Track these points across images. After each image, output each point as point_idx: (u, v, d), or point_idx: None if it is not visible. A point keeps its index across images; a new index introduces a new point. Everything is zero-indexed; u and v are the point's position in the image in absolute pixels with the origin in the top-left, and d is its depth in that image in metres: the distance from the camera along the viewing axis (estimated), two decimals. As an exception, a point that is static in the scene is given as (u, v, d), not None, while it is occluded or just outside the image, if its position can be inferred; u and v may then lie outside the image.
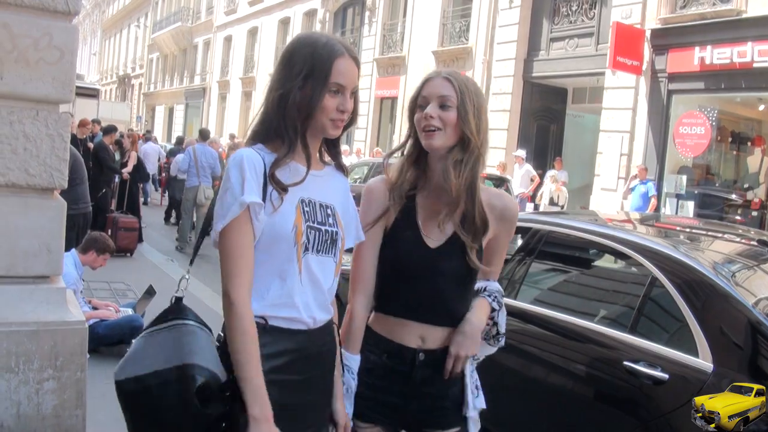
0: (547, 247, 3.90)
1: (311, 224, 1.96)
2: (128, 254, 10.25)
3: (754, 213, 13.35)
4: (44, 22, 2.73)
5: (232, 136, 22.57)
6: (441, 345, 2.22)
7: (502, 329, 2.33)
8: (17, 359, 2.65)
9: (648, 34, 14.32)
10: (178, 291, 2.00)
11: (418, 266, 2.19)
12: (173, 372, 1.79)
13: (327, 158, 2.15)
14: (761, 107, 14.40)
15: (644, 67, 14.40)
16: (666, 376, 2.92)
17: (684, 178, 13.97)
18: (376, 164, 14.87)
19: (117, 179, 11.84)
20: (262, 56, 31.99)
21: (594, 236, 3.72)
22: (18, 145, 2.72)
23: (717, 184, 14.72)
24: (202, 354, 1.83)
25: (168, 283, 7.56)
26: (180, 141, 18.67)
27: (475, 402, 2.29)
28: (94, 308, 6.06)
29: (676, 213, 13.57)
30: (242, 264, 1.86)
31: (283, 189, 1.91)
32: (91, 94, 27.81)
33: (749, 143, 14.83)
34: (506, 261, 3.60)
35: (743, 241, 4.17)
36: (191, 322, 1.91)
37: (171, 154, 17.50)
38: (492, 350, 2.36)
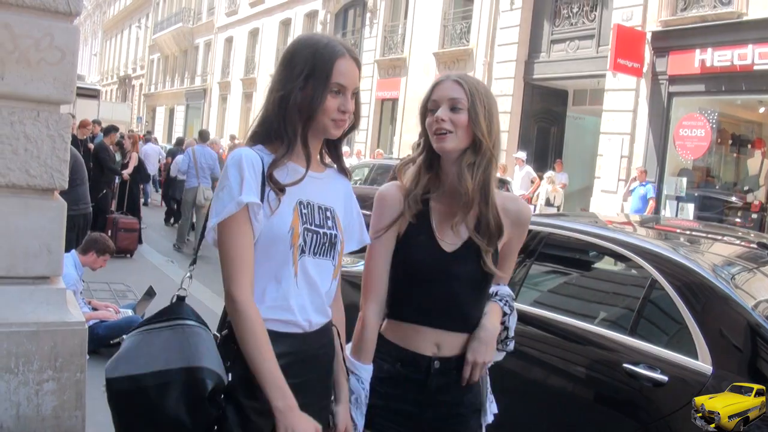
0: (546, 249, 3.89)
1: (308, 226, 1.95)
2: (128, 255, 10.25)
3: (754, 215, 13.36)
4: (45, 22, 2.73)
5: (232, 137, 22.58)
6: (456, 352, 2.20)
7: (512, 333, 2.32)
8: (17, 360, 2.65)
9: (649, 36, 14.33)
10: (180, 289, 1.99)
11: (433, 270, 2.17)
12: (181, 374, 1.78)
13: (328, 161, 2.14)
14: (761, 110, 14.41)
15: (645, 70, 14.40)
16: (665, 378, 2.92)
17: (684, 180, 13.97)
18: (376, 165, 14.84)
19: (117, 180, 11.85)
20: (263, 57, 32.00)
21: (594, 238, 3.72)
22: (19, 145, 2.72)
23: (717, 187, 14.72)
24: (209, 357, 1.83)
25: (168, 284, 7.57)
26: (180, 142, 18.67)
27: (491, 407, 2.30)
28: (94, 309, 6.07)
29: (676, 215, 13.56)
30: (243, 264, 1.86)
31: (280, 190, 1.90)
32: (92, 94, 27.84)
33: (749, 146, 14.84)
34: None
35: (743, 243, 4.17)
36: (194, 323, 1.89)
37: (170, 154, 17.49)
38: (501, 356, 2.34)
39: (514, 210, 2.26)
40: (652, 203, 13.42)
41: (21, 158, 2.73)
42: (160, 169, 19.59)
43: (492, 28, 18.89)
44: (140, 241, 10.97)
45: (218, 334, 1.94)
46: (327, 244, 1.99)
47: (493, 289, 2.30)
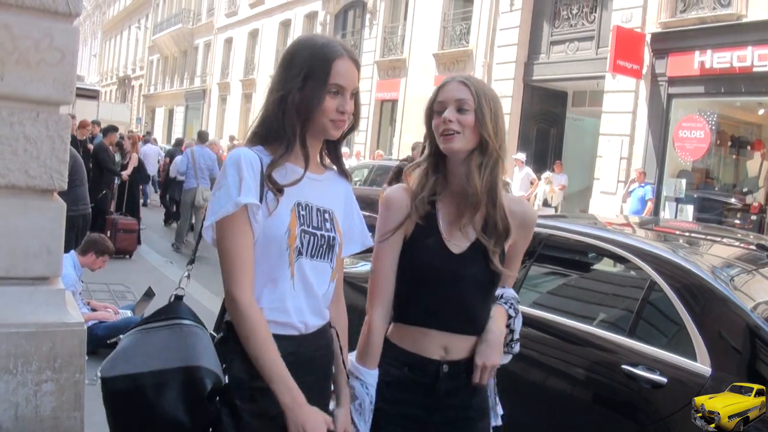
0: (546, 251, 3.90)
1: (305, 228, 1.94)
2: (127, 256, 10.25)
3: (753, 217, 13.37)
4: (45, 23, 2.72)
5: (231, 138, 22.60)
6: (464, 355, 2.19)
7: (517, 335, 2.32)
8: (16, 361, 2.65)
9: (648, 37, 14.34)
10: (178, 289, 1.98)
11: (441, 272, 2.16)
12: (179, 373, 1.77)
13: (328, 163, 2.14)
14: (761, 111, 14.43)
15: (644, 71, 14.42)
16: (664, 379, 2.92)
17: (683, 181, 13.98)
18: (376, 167, 14.86)
19: (117, 181, 11.86)
20: (262, 58, 32.01)
21: (593, 240, 3.72)
22: (18, 146, 2.71)
23: (716, 188, 14.74)
24: (207, 356, 1.82)
25: (167, 284, 7.56)
26: (179, 143, 18.67)
27: (497, 410, 2.30)
28: (93, 310, 6.07)
29: (676, 217, 13.57)
30: (244, 264, 1.86)
31: (278, 190, 1.90)
32: (91, 95, 27.84)
33: (749, 147, 14.86)
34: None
35: (742, 245, 4.17)
36: (191, 323, 1.89)
37: (169, 155, 17.51)
38: (507, 358, 2.33)
39: (520, 212, 2.27)
40: (650, 204, 13.42)
41: (20, 159, 2.72)
42: (159, 170, 19.58)
43: (491, 30, 18.90)
44: (139, 242, 10.97)
45: (215, 334, 1.94)
46: (325, 247, 1.99)
47: (498, 291, 2.30)
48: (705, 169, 14.82)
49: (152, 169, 17.76)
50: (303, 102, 1.92)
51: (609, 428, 3.19)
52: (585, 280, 4.20)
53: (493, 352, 2.19)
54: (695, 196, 14.18)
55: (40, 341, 2.68)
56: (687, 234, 4.51)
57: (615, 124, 15.16)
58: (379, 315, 2.21)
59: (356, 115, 2.04)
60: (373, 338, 2.19)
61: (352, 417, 2.11)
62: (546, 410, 3.49)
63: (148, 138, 22.12)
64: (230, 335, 1.91)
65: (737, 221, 13.53)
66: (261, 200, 1.88)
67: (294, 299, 1.94)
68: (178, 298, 1.97)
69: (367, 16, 24.51)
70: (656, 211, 13.82)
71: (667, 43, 14.04)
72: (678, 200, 13.91)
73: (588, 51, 16.40)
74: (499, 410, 2.33)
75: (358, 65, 2.01)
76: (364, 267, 4.91)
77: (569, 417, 3.37)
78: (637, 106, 14.75)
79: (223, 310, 1.99)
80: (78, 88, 3.47)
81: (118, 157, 11.80)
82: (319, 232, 1.98)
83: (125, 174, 11.85)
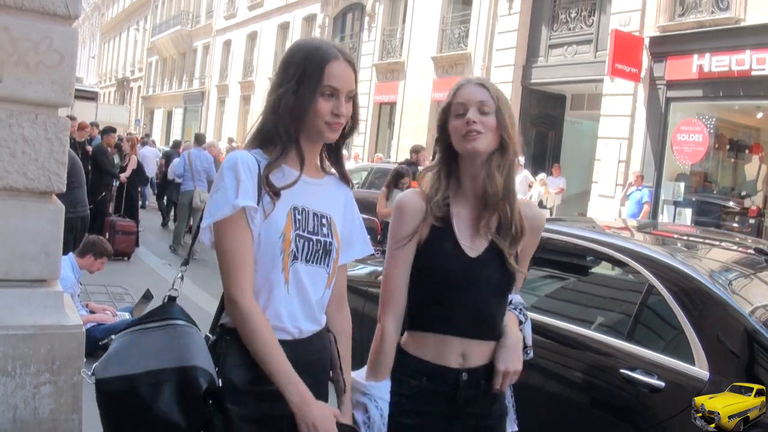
0: (544, 254, 3.89)
1: (300, 233, 1.93)
2: (126, 258, 10.24)
3: (752, 220, 13.38)
4: (44, 25, 2.73)
5: (230, 140, 22.61)
6: (482, 362, 2.17)
7: (529, 341, 2.31)
8: (14, 363, 2.65)
9: (647, 41, 14.36)
10: (172, 290, 1.98)
11: (459, 277, 2.13)
12: (174, 373, 1.76)
13: (329, 167, 2.13)
14: (759, 115, 14.44)
15: (643, 75, 14.44)
16: (662, 384, 2.92)
17: (682, 185, 14.00)
18: (374, 169, 14.88)
19: (116, 183, 11.85)
20: (261, 61, 32.01)
21: (591, 243, 3.72)
22: (17, 148, 2.72)
23: (715, 192, 14.75)
24: (201, 356, 1.82)
25: (165, 287, 7.50)
26: (176, 145, 18.66)
27: (513, 415, 2.29)
28: (92, 312, 6.06)
29: (674, 220, 13.59)
30: (242, 266, 1.86)
31: (275, 193, 1.89)
32: (90, 97, 27.80)
33: (747, 151, 14.88)
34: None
35: (740, 249, 4.18)
36: (184, 323, 1.88)
37: (166, 156, 17.51)
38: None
39: (530, 215, 2.26)
40: (646, 207, 13.42)
41: (19, 161, 2.72)
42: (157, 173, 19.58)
43: (490, 33, 18.92)
44: (137, 244, 10.96)
45: (210, 336, 1.94)
46: (321, 252, 1.98)
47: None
48: (703, 173, 14.83)
49: (151, 171, 17.75)
50: (296, 104, 1.91)
51: (607, 432, 3.19)
52: (583, 283, 4.19)
53: (515, 358, 2.17)
54: (693, 199, 14.19)
55: (38, 343, 2.68)
56: (685, 238, 4.52)
57: (613, 127, 15.17)
58: (392, 323, 2.18)
59: (355, 117, 2.03)
60: (386, 346, 2.17)
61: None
62: (544, 414, 3.49)
63: (146, 140, 22.10)
64: (224, 338, 1.91)
65: (735, 224, 13.54)
66: (258, 203, 1.87)
67: (288, 304, 1.93)
68: (172, 299, 1.96)
69: (366, 18, 24.52)
70: (654, 214, 13.83)
71: (666, 46, 14.06)
72: (676, 203, 13.93)
73: (586, 54, 16.42)
74: (512, 415, 2.30)
75: (354, 67, 1.99)
76: (362, 270, 4.91)
77: (567, 421, 3.37)
78: (636, 110, 14.77)
79: (219, 312, 1.98)
80: (77, 90, 3.47)
81: (116, 159, 11.79)
82: (314, 237, 1.96)
83: (124, 176, 11.85)
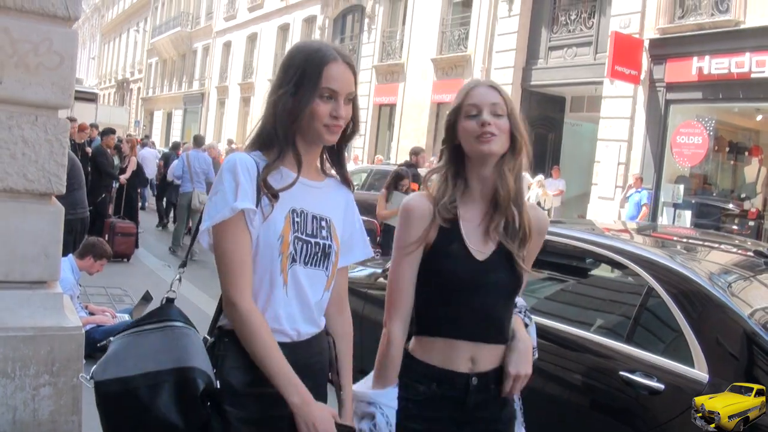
0: (543, 256, 3.88)
1: (299, 235, 1.93)
2: (125, 260, 10.23)
3: (751, 223, 13.39)
4: (44, 27, 2.73)
5: (230, 142, 22.57)
6: (492, 366, 2.16)
7: (535, 343, 2.30)
8: (13, 365, 2.65)
9: (646, 43, 14.37)
10: (169, 291, 1.98)
11: (468, 280, 2.12)
12: (172, 374, 1.76)
13: (330, 169, 2.12)
14: (759, 117, 14.44)
15: (642, 77, 14.44)
16: (662, 386, 2.92)
17: (681, 187, 14.01)
18: (374, 171, 14.89)
19: (115, 184, 11.85)
20: (261, 62, 32.02)
21: (591, 246, 3.72)
22: (17, 150, 2.72)
23: (714, 194, 14.75)
24: (199, 357, 1.82)
25: (165, 288, 7.52)
26: (175, 146, 18.66)
27: (520, 418, 2.28)
28: (91, 314, 6.06)
29: (673, 222, 13.59)
30: (241, 268, 1.86)
31: (274, 195, 1.89)
32: (90, 98, 27.78)
33: (746, 153, 14.89)
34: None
35: (740, 251, 4.18)
36: (182, 324, 1.88)
37: (165, 158, 17.51)
38: None
39: (535, 218, 2.25)
40: (645, 209, 13.41)
41: (19, 163, 2.73)
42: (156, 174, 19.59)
43: (490, 35, 18.93)
44: (137, 246, 10.95)
45: (208, 337, 1.94)
46: (320, 254, 1.98)
47: None
48: (703, 175, 14.84)
49: (150, 173, 17.75)
50: (294, 106, 1.91)
51: (606, 434, 3.19)
52: (582, 285, 4.19)
53: (525, 361, 2.16)
54: (693, 201, 14.20)
55: (38, 345, 2.68)
56: (685, 240, 4.52)
57: (613, 129, 15.18)
58: (399, 328, 2.16)
59: (355, 119, 2.02)
60: (393, 351, 2.15)
61: None
62: (543, 416, 3.49)
63: (146, 141, 22.08)
64: (222, 340, 1.91)
65: (735, 227, 13.56)
66: (257, 205, 1.87)
67: (286, 306, 1.93)
68: (169, 300, 1.96)
69: (366, 20, 24.53)
70: (654, 216, 13.83)
71: (666, 48, 14.07)
72: (676, 206, 13.93)
73: (586, 56, 16.42)
74: (520, 417, 2.29)
75: (353, 69, 1.99)
76: (362, 272, 4.91)
77: (566, 423, 3.37)
78: (635, 112, 14.77)
79: (218, 314, 1.98)
80: (76, 91, 3.47)
81: (116, 161, 11.79)
82: (313, 240, 1.96)
83: (123, 178, 11.85)
